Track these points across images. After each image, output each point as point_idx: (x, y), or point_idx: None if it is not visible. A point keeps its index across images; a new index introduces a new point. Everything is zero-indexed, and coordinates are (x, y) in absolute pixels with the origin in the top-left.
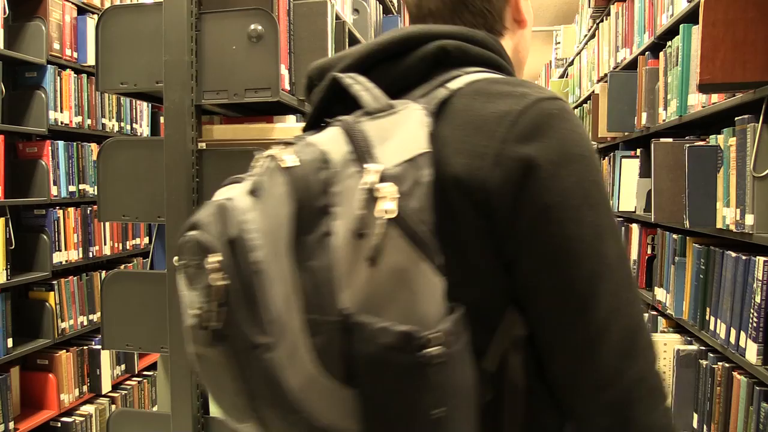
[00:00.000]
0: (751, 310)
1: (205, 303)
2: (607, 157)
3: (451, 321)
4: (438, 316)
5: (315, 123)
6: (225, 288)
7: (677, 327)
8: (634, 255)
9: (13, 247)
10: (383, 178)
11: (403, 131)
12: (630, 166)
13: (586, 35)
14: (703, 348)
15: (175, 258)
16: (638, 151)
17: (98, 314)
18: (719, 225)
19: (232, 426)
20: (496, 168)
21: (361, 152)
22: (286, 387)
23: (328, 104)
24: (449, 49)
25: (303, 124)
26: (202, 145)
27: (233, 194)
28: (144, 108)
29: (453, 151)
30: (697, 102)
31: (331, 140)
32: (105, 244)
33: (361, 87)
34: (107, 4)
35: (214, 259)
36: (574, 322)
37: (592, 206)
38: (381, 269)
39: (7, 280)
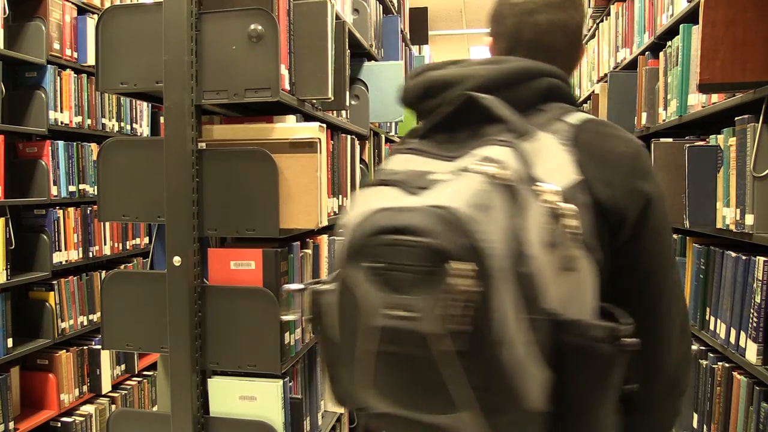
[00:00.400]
0: (751, 310)
1: (451, 308)
2: None
3: (628, 317)
4: (594, 313)
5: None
6: (477, 294)
7: None
8: None
9: (13, 247)
10: (564, 199)
11: (550, 156)
12: None
13: (586, 35)
14: (703, 348)
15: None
16: None
17: (98, 314)
18: (719, 225)
19: (417, 418)
20: (628, 197)
21: (529, 171)
22: (509, 377)
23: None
24: (553, 87)
25: (304, 124)
26: (202, 145)
27: (450, 204)
28: (144, 108)
29: (591, 178)
30: (697, 102)
31: (506, 159)
32: (105, 244)
33: (502, 110)
34: (107, 4)
35: (467, 267)
36: (660, 318)
37: (670, 229)
38: (573, 275)
39: (7, 280)
